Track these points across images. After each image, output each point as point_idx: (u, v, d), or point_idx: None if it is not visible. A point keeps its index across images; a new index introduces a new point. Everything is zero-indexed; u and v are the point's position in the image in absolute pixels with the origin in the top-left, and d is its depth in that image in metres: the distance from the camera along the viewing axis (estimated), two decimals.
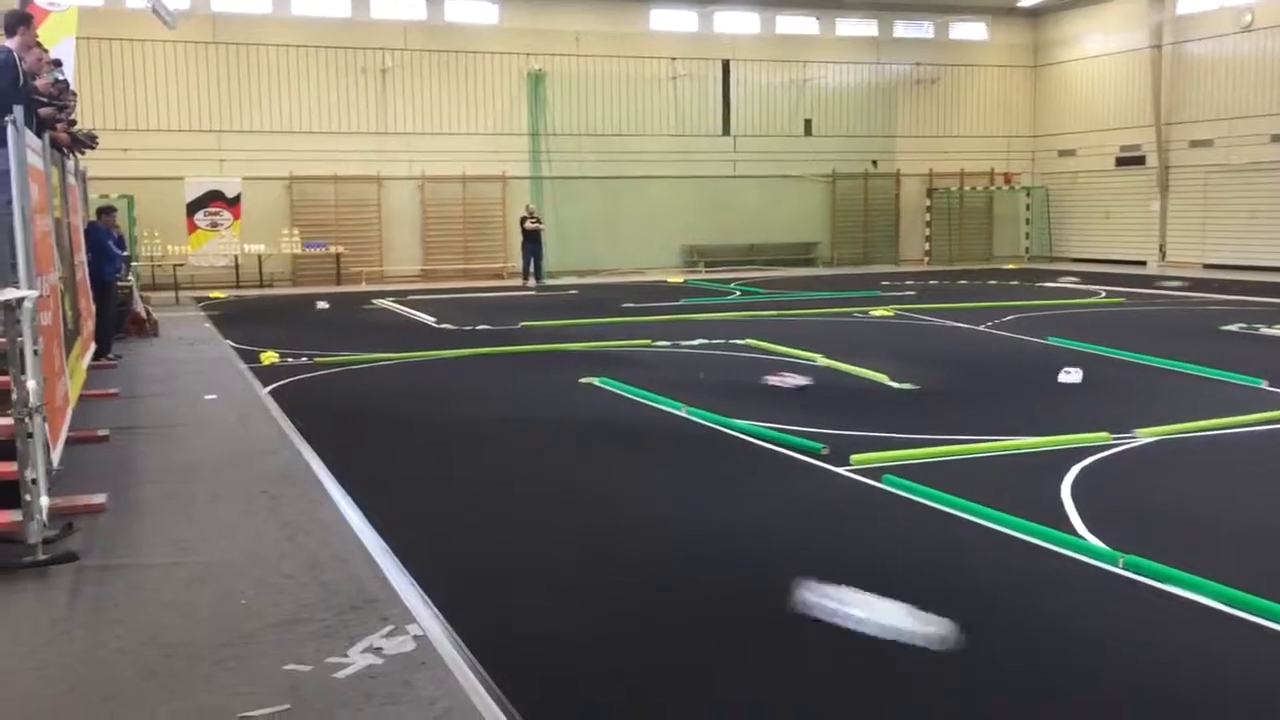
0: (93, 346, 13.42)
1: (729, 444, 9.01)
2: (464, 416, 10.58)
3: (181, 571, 5.90)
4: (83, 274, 13.47)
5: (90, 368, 12.54)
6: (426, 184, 28.74)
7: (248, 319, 19.45)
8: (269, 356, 13.98)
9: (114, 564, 6.04)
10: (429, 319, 18.99)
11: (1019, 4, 32.98)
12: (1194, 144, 29.40)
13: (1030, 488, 7.43)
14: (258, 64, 27.19)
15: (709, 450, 8.85)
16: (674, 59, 30.78)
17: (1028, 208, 34.32)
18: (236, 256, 26.26)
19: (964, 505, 6.88)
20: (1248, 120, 27.92)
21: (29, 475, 6.02)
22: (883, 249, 33.36)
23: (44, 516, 6.14)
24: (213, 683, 4.50)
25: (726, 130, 31.65)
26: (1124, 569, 5.75)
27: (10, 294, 6.17)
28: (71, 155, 13.43)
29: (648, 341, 15.28)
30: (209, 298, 23.86)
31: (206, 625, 5.13)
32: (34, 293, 6.49)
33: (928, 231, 33.50)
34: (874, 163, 33.05)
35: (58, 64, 12.15)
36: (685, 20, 31.11)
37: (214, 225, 25.69)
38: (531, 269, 26.98)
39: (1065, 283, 25.59)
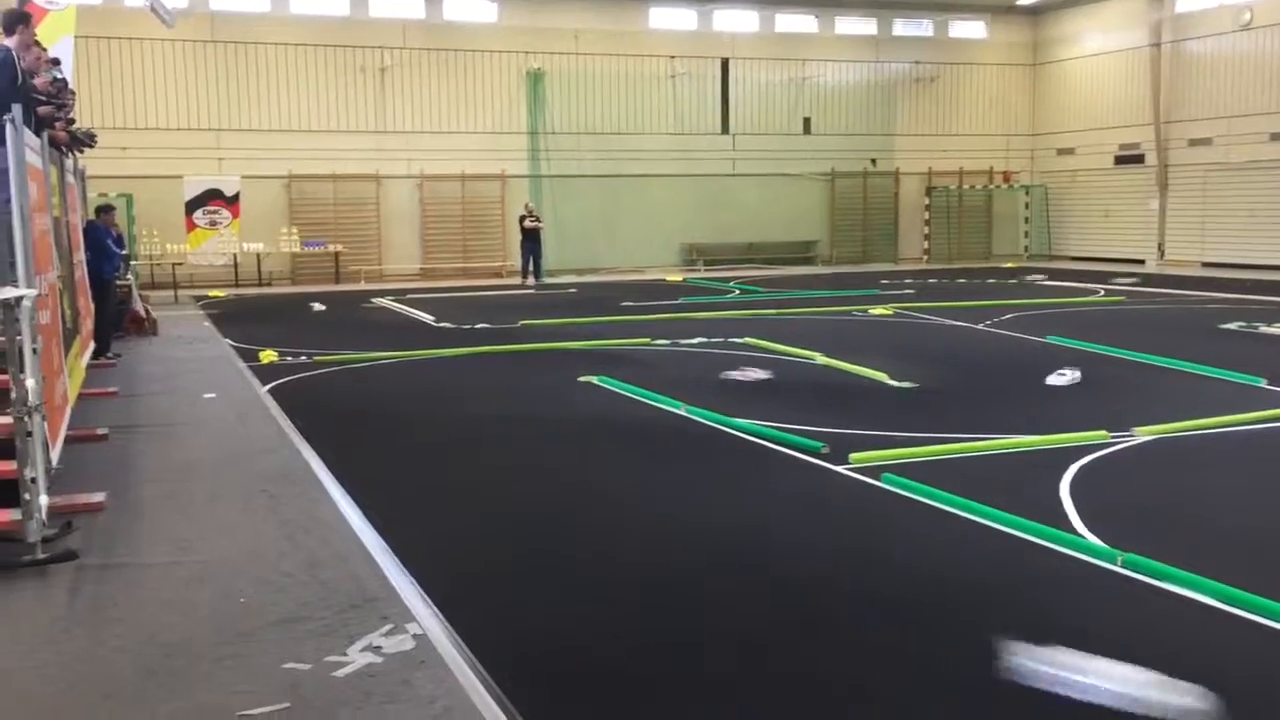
0: (92, 345, 13.41)
1: (728, 442, 9.01)
2: (463, 415, 10.58)
3: (181, 570, 5.90)
4: (81, 273, 13.47)
5: (89, 366, 12.54)
6: (425, 183, 28.73)
7: (246, 318, 19.44)
8: (268, 355, 13.98)
9: (113, 563, 6.04)
10: (428, 317, 18.99)
11: (1018, 2, 32.97)
12: (1193, 142, 29.41)
13: (1029, 486, 7.44)
14: (256, 62, 27.17)
15: (709, 449, 8.85)
16: (673, 57, 30.77)
17: (1027, 206, 34.32)
18: (235, 255, 26.24)
19: (963, 504, 6.89)
20: (1247, 119, 27.93)
21: (28, 474, 6.02)
22: (882, 247, 33.36)
23: (43, 515, 6.14)
24: (212, 681, 4.50)
25: (725, 129, 31.65)
26: (1122, 567, 5.75)
27: (9, 293, 6.17)
28: (70, 154, 13.42)
29: (647, 340, 15.28)
30: (208, 296, 23.87)
31: (206, 624, 5.13)
32: (33, 291, 6.49)
33: (927, 230, 33.50)
34: (873, 161, 33.04)
35: (56, 63, 12.15)
36: (684, 19, 31.10)
37: (213, 224, 25.67)
38: (530, 267, 26.99)
39: (1034, 279, 25.93)
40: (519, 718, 4.17)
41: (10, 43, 8.94)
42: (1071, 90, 33.29)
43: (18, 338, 6.16)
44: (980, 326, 16.68)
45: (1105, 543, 6.14)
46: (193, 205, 25.52)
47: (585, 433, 9.65)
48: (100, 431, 9.32)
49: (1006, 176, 34.22)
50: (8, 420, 6.12)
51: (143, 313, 17.14)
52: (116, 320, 15.78)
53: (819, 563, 6.09)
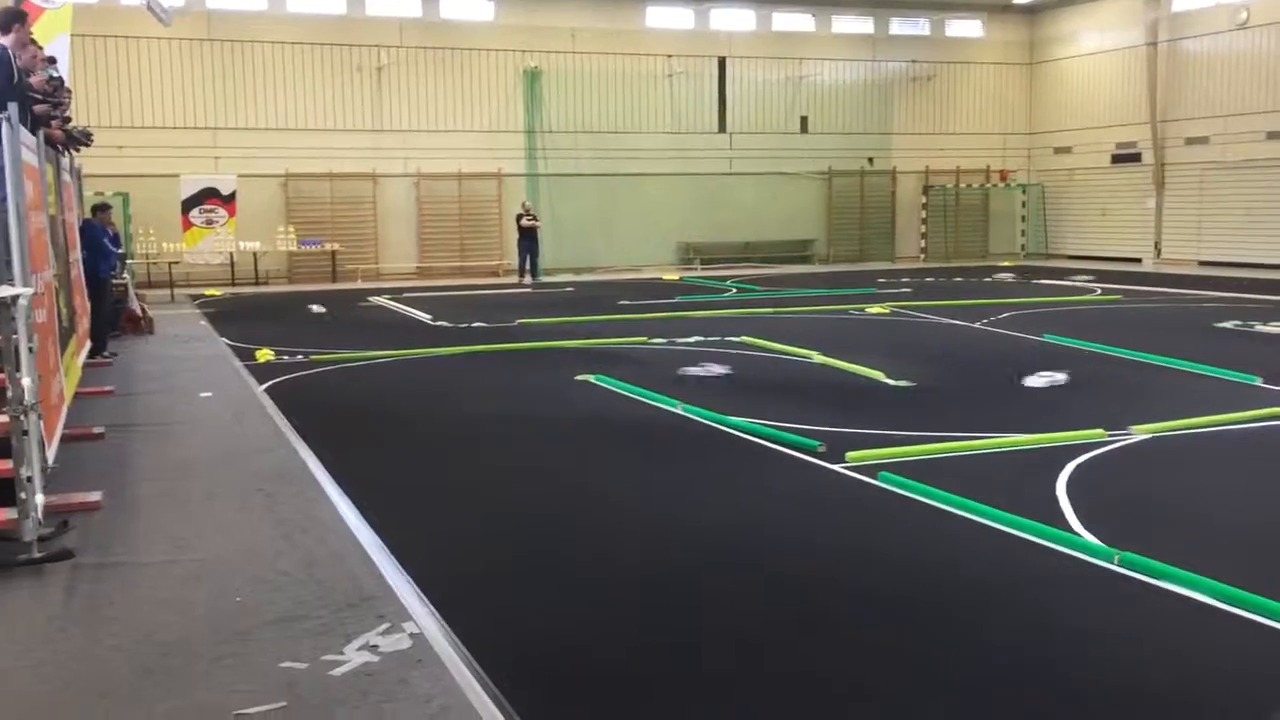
0: (88, 344, 13.39)
1: (725, 441, 9.02)
2: (460, 414, 10.58)
3: (177, 569, 5.90)
4: (78, 271, 13.45)
5: (85, 365, 12.52)
6: (422, 181, 28.72)
7: (243, 316, 19.43)
8: (264, 354, 13.97)
9: (110, 562, 6.04)
10: (425, 316, 18.98)
11: (1014, 1, 33.01)
12: (1189, 141, 29.44)
13: (1025, 485, 7.44)
14: (253, 61, 27.15)
15: (705, 447, 8.85)
16: (670, 56, 30.77)
17: (1024, 205, 34.35)
18: (232, 254, 26.22)
19: (959, 502, 6.89)
20: (1243, 117, 27.96)
21: (24, 473, 6.01)
22: (879, 246, 33.37)
23: (39, 514, 6.14)
24: (209, 680, 4.50)
25: (722, 128, 31.65)
26: (1119, 565, 5.75)
27: (5, 291, 6.16)
28: (66, 152, 13.40)
29: (644, 339, 15.28)
30: (204, 295, 23.84)
31: (202, 623, 5.12)
32: (29, 290, 6.48)
33: (924, 229, 33.52)
34: (870, 160, 33.06)
35: (52, 61, 12.13)
36: (681, 17, 31.10)
37: (209, 222, 25.65)
38: (527, 266, 26.99)
39: (1002, 277, 26.24)
40: (516, 717, 4.17)
41: (6, 41, 8.93)
42: (1068, 89, 33.32)
43: (14, 336, 6.15)
44: (977, 325, 16.69)
45: (1102, 541, 6.15)
46: (189, 204, 25.51)
47: (582, 431, 9.65)
48: (96, 430, 9.31)
49: (1003, 175, 34.25)
50: (4, 419, 6.12)
51: (139, 311, 17.12)
52: (113, 319, 15.77)
53: (816, 561, 6.10)
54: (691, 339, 15.27)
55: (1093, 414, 9.53)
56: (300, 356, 13.93)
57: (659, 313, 18.87)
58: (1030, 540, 6.25)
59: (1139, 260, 30.33)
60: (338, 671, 4.54)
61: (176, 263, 25.10)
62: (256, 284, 26.63)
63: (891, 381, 11.60)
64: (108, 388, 11.65)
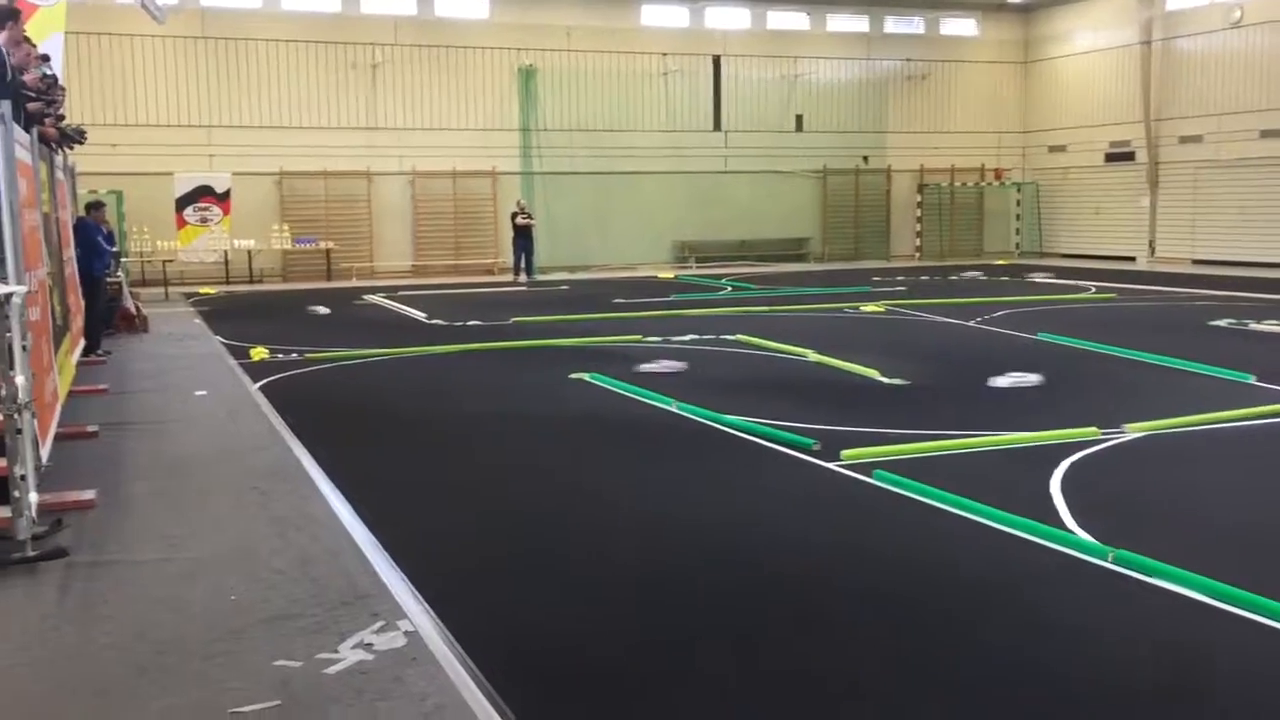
0: (82, 342, 13.37)
1: (720, 439, 9.02)
2: (455, 412, 10.58)
3: (171, 567, 5.89)
4: (71, 269, 13.42)
5: (79, 363, 12.50)
6: (417, 179, 28.69)
7: (237, 315, 19.40)
8: (259, 352, 13.96)
9: (104, 560, 6.03)
10: (420, 314, 18.97)
11: (1009, 0, 33.03)
12: (1183, 140, 29.49)
13: (1019, 482, 7.45)
14: (247, 59, 27.10)
15: (700, 445, 8.86)
16: (665, 54, 30.77)
17: (1018, 203, 34.40)
18: (226, 252, 26.19)
19: (954, 500, 6.90)
20: (1237, 116, 28.01)
21: (18, 471, 6.00)
22: (874, 244, 33.40)
23: (33, 513, 6.13)
24: (203, 679, 4.50)
25: (718, 126, 31.65)
26: (1113, 563, 5.77)
27: None
28: (60, 150, 13.38)
29: (639, 337, 15.28)
30: (198, 293, 23.81)
31: (197, 621, 5.12)
32: (22, 288, 6.47)
33: (918, 227, 33.55)
34: (865, 158, 33.08)
35: (46, 59, 12.12)
36: (676, 16, 31.10)
37: (203, 221, 25.61)
38: (522, 264, 26.98)
39: (970, 275, 26.47)
40: (510, 715, 4.17)
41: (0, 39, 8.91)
42: (1062, 88, 33.36)
43: (7, 334, 6.14)
44: (971, 323, 16.71)
45: (1096, 539, 6.16)
46: (183, 202, 25.47)
47: (577, 430, 9.65)
48: (90, 429, 9.30)
49: (998, 174, 34.29)
50: None
51: (133, 310, 17.10)
52: (107, 317, 15.74)
53: (811, 559, 6.10)
54: (686, 337, 15.28)
55: (1086, 412, 9.54)
56: (295, 355, 13.91)
57: (654, 311, 18.87)
58: (1024, 538, 6.26)
59: (1133, 259, 30.38)
60: (332, 670, 4.54)
61: (171, 261, 25.04)
62: (251, 282, 26.59)
63: (886, 380, 11.61)
64: (102, 386, 11.63)
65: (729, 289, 23.66)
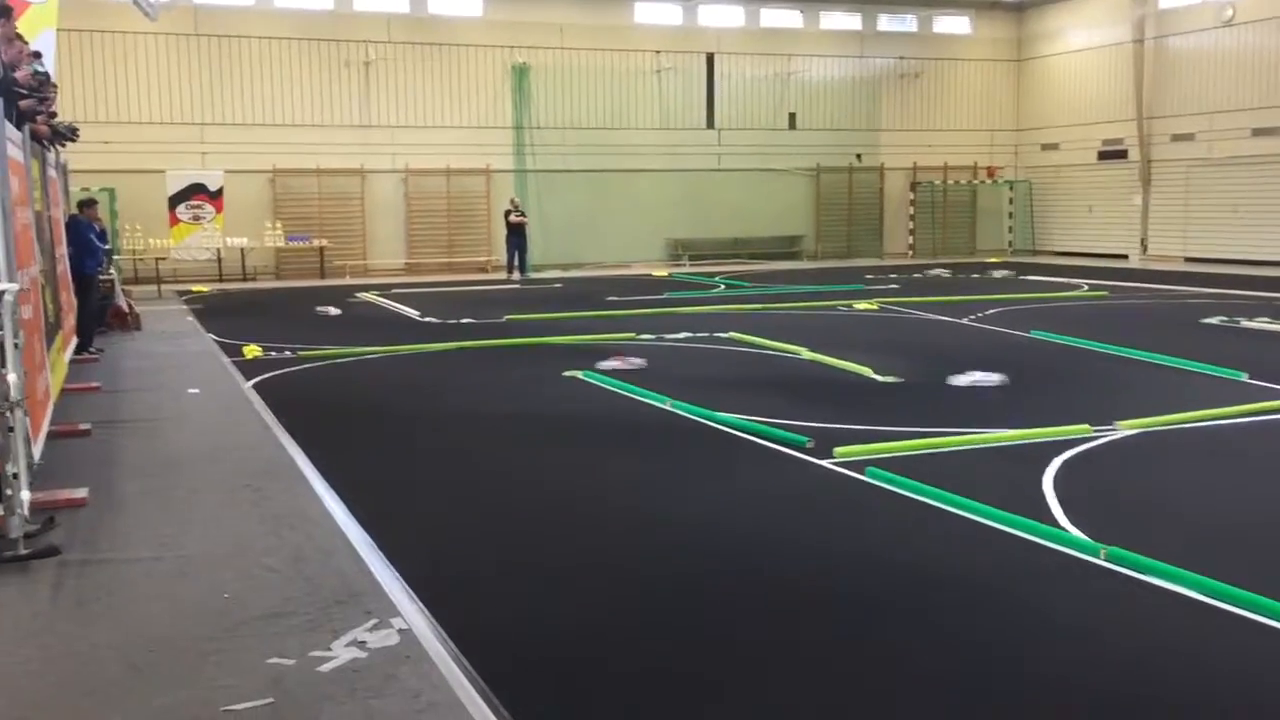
0: (74, 340, 13.35)
1: (714, 437, 9.03)
2: (449, 410, 10.57)
3: (164, 566, 5.89)
4: (64, 267, 13.40)
5: (72, 362, 12.48)
6: (410, 177, 28.66)
7: (230, 313, 19.37)
8: (252, 350, 13.94)
9: (96, 558, 6.02)
10: (413, 312, 18.96)
11: None
12: (1175, 138, 29.56)
13: (1011, 480, 7.47)
14: (240, 56, 27.05)
15: (694, 443, 8.86)
16: (658, 52, 30.76)
17: (1011, 201, 34.45)
18: (219, 250, 26.14)
19: (946, 497, 6.91)
20: (1229, 114, 28.07)
21: (10, 470, 6.00)
22: (867, 242, 33.44)
23: (25, 511, 6.12)
24: (196, 677, 4.49)
25: (711, 124, 31.66)
26: (1105, 560, 5.79)
27: None
28: (52, 148, 13.34)
29: (632, 335, 15.28)
30: (191, 291, 23.76)
31: (190, 619, 5.11)
32: (14, 286, 6.46)
33: (911, 225, 33.59)
34: (858, 156, 33.10)
35: (37, 56, 12.07)
36: (669, 13, 31.09)
37: (196, 218, 25.57)
38: (516, 262, 26.96)
39: (939, 272, 26.83)
40: (504, 712, 4.17)
41: None
42: (1055, 86, 33.41)
43: (0, 332, 6.13)
44: (964, 321, 16.74)
45: (1088, 536, 6.18)
46: (176, 200, 25.44)
47: (570, 428, 9.65)
48: (83, 427, 9.28)
49: (991, 172, 34.34)
50: None
51: (126, 308, 17.06)
52: (99, 315, 15.70)
53: (803, 557, 6.11)
54: (679, 335, 15.28)
55: (1078, 410, 9.56)
56: (288, 353, 13.90)
57: (647, 309, 18.87)
58: (1017, 535, 6.28)
59: (1125, 256, 30.44)
60: (325, 668, 4.54)
61: (163, 259, 25.02)
62: (244, 280, 26.55)
63: (879, 377, 11.63)
64: (94, 384, 11.60)
65: (722, 287, 23.67)
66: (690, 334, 15.38)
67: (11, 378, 6.12)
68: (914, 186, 33.53)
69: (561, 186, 29.82)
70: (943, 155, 33.72)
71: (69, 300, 13.34)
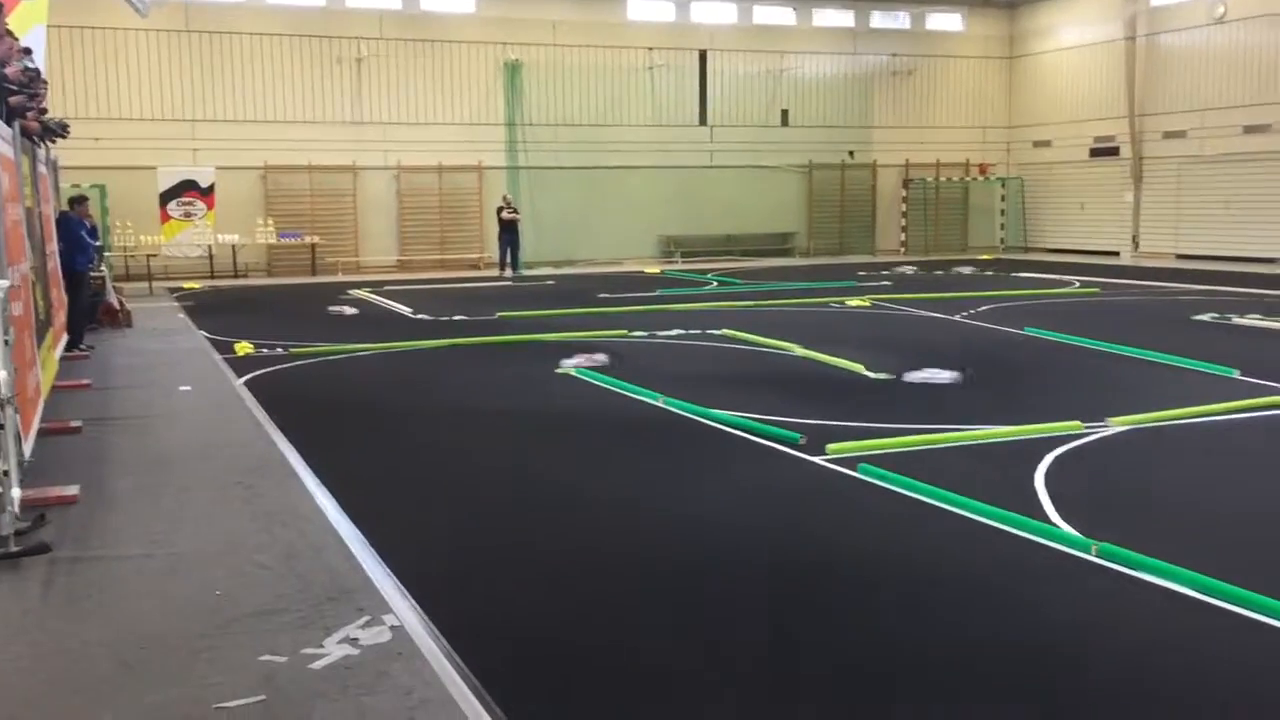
0: (65, 337, 13.31)
1: (706, 434, 9.03)
2: (441, 407, 10.56)
3: (155, 563, 5.88)
4: (54, 264, 13.35)
5: (62, 359, 12.45)
6: (402, 174, 28.62)
7: (222, 310, 19.33)
8: (243, 347, 13.91)
9: (87, 556, 6.01)
10: (405, 309, 18.94)
11: None
12: (1167, 135, 29.61)
13: (1003, 476, 7.49)
14: (232, 52, 26.97)
15: (686, 440, 8.87)
16: (651, 49, 30.74)
17: (1003, 198, 34.51)
18: (210, 247, 26.06)
19: (938, 494, 6.93)
20: (1220, 111, 28.14)
21: (0, 466, 5.98)
22: (859, 239, 33.46)
23: (16, 508, 6.10)
24: (188, 674, 4.49)
25: (703, 121, 31.64)
26: (1096, 556, 5.80)
27: None
28: (42, 144, 13.30)
29: (624, 332, 15.28)
30: (183, 288, 23.70)
31: (181, 616, 5.10)
32: (5, 282, 6.44)
33: (904, 222, 33.63)
34: (850, 153, 33.12)
35: (28, 52, 12.03)
36: (662, 10, 31.07)
37: (187, 215, 25.50)
38: (508, 259, 26.95)
39: (905, 270, 26.92)
40: (496, 709, 4.17)
41: None
42: (1047, 83, 33.46)
43: None
44: (956, 318, 16.76)
45: (1079, 532, 6.19)
46: (167, 196, 25.37)
47: (563, 425, 9.65)
48: (74, 424, 9.26)
49: (983, 169, 34.39)
50: None
51: (116, 305, 17.01)
52: (90, 312, 15.66)
53: (796, 553, 6.12)
54: (672, 331, 15.29)
55: (1070, 406, 9.59)
56: (280, 350, 13.87)
57: (639, 306, 18.87)
58: (1008, 531, 6.29)
59: (1117, 254, 30.51)
60: (317, 664, 4.54)
61: (154, 256, 24.93)
62: (235, 277, 26.49)
63: (872, 374, 11.65)
64: (85, 381, 11.57)
65: (715, 284, 23.67)
66: (683, 331, 15.38)
67: (2, 374, 6.11)
68: (906, 183, 33.57)
69: (554, 183, 29.79)
70: (935, 152, 33.76)
71: (59, 297, 13.30)
